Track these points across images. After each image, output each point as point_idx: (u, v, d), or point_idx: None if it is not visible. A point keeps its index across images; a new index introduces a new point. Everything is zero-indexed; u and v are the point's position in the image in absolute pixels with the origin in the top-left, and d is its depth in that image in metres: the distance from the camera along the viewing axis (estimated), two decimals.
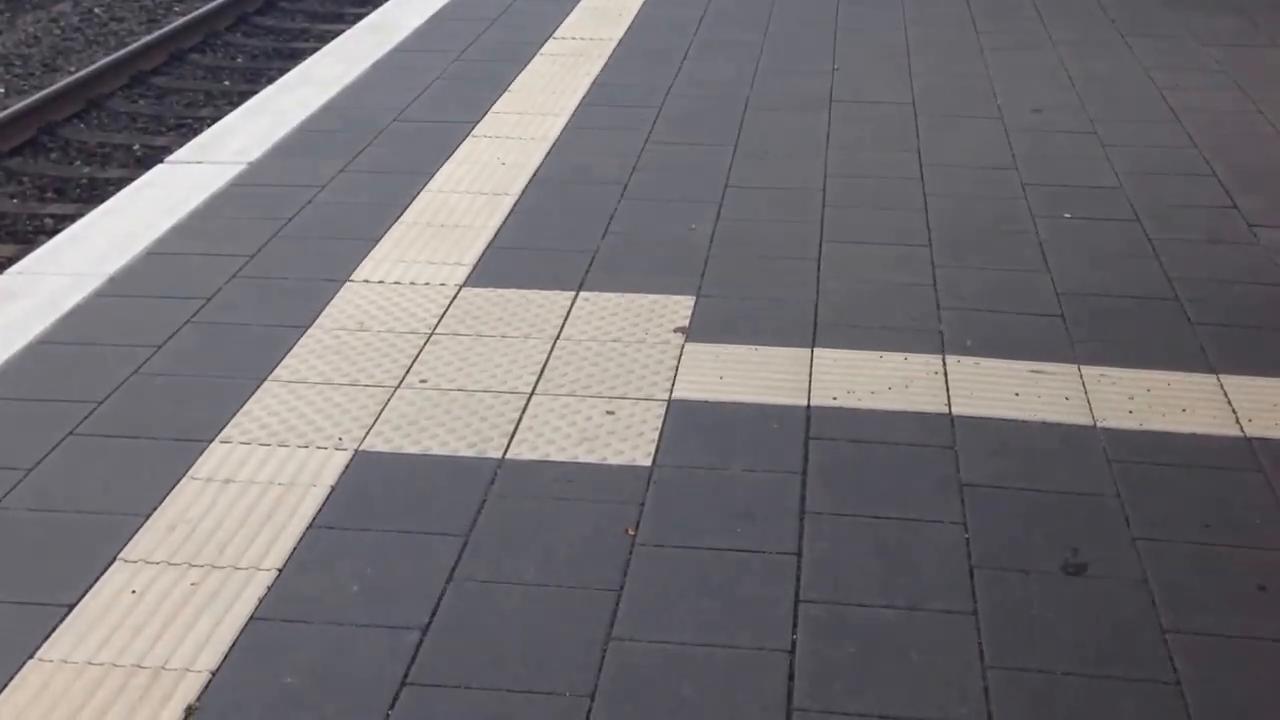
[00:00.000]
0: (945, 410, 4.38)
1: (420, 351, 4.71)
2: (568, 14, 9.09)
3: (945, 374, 4.59)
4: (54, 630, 3.40)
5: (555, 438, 4.21)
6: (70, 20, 12.43)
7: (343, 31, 10.53)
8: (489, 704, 3.17)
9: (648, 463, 4.10)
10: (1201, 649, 3.38)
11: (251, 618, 3.45)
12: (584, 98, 7.39)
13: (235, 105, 9.88)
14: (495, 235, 5.64)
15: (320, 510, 3.87)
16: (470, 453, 4.14)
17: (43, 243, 6.63)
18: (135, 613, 3.46)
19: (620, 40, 8.51)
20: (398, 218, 5.81)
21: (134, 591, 3.53)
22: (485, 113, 7.13)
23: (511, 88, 7.55)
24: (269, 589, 3.55)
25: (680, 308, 5.03)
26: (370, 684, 3.23)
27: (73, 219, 7.85)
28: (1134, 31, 8.80)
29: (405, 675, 3.26)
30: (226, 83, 10.70)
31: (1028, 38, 8.66)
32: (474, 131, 6.86)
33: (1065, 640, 3.39)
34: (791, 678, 3.26)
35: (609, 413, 4.35)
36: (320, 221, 5.77)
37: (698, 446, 4.18)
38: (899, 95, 7.49)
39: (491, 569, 3.63)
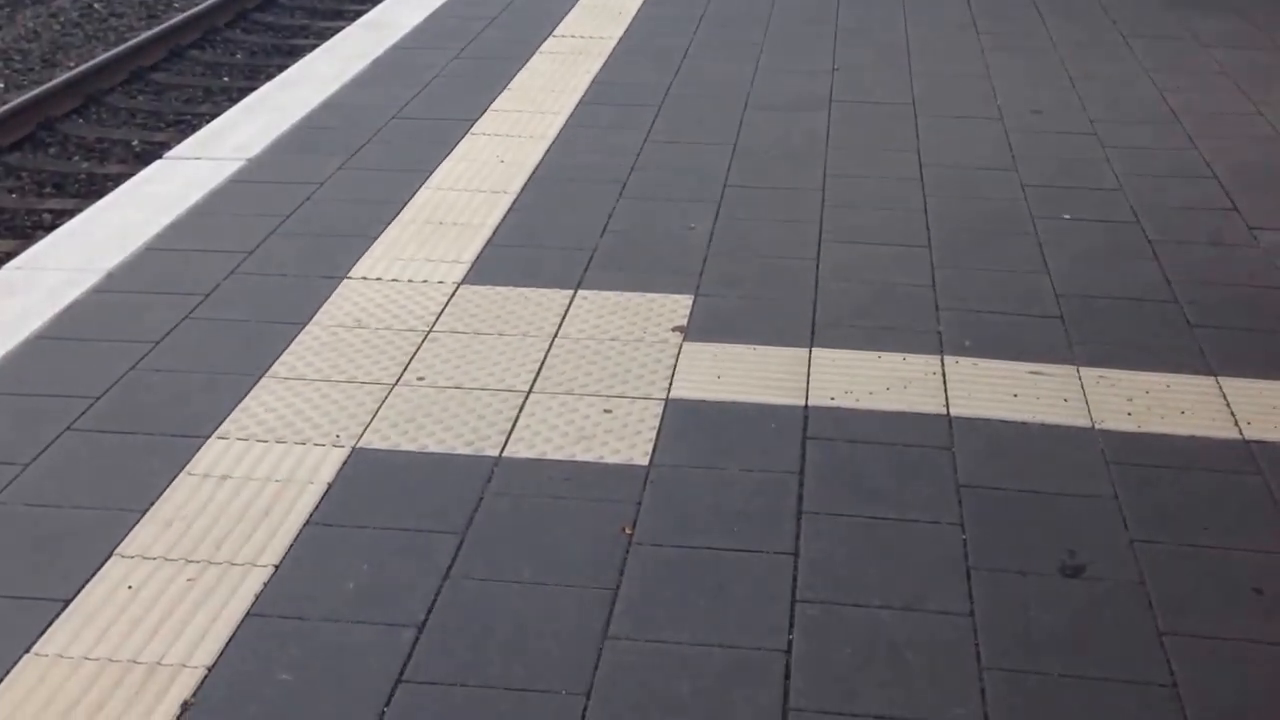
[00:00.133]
0: (943, 411, 4.38)
1: (418, 349, 4.71)
2: (567, 12, 9.09)
3: (943, 375, 4.59)
4: (50, 625, 3.39)
5: (552, 436, 4.21)
6: (70, 15, 12.43)
7: (342, 28, 10.52)
8: (484, 702, 3.17)
9: (645, 462, 4.09)
10: (1198, 651, 3.37)
11: (248, 614, 3.45)
12: (583, 96, 7.38)
13: (234, 102, 9.87)
14: (494, 233, 5.64)
15: (317, 507, 3.87)
16: (467, 451, 4.13)
17: (41, 238, 6.64)
18: (131, 608, 3.45)
19: (620, 39, 8.50)
20: (396, 215, 5.81)
21: (130, 587, 3.53)
22: (484, 110, 7.13)
23: (511, 85, 7.54)
24: (265, 585, 3.55)
25: (678, 307, 5.02)
26: (366, 681, 3.22)
27: (71, 214, 7.84)
28: (1135, 32, 8.80)
29: (401, 673, 3.25)
30: (226, 79, 10.69)
31: (1028, 38, 8.66)
32: (473, 129, 6.86)
33: (1062, 642, 3.39)
34: (788, 678, 3.26)
35: (606, 411, 4.35)
36: (319, 218, 5.77)
37: (695, 446, 4.18)
38: (899, 95, 7.49)
39: (488, 567, 3.62)
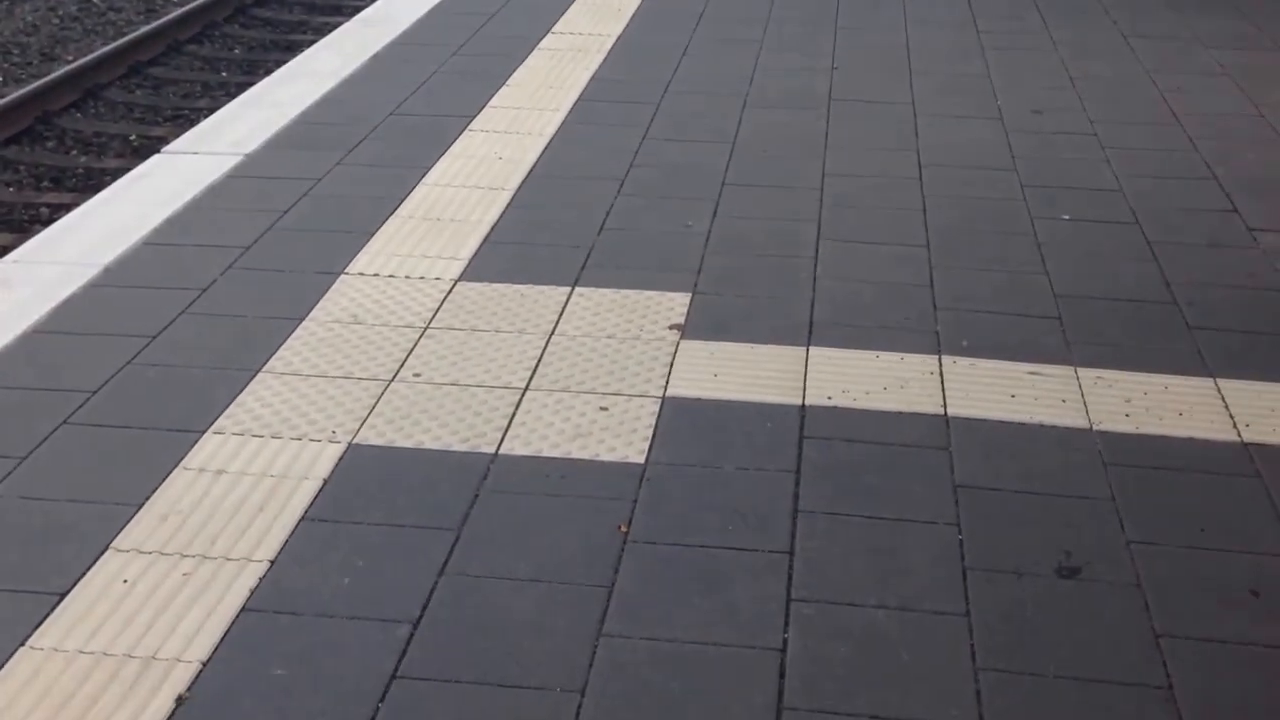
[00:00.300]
0: (941, 411, 4.37)
1: (415, 345, 4.70)
2: (566, 9, 9.08)
3: (941, 375, 4.58)
4: (45, 619, 3.39)
5: (549, 433, 4.20)
6: (68, 9, 12.42)
7: (341, 24, 10.50)
8: (478, 699, 3.16)
9: (641, 460, 4.09)
10: (1194, 653, 3.37)
11: (243, 609, 3.44)
12: (582, 93, 7.37)
13: (232, 97, 9.86)
14: (491, 230, 5.63)
15: (313, 503, 3.86)
16: (463, 447, 4.13)
17: (38, 232, 6.62)
18: (126, 602, 3.45)
19: (619, 36, 8.50)
20: (394, 211, 5.80)
21: (125, 581, 3.52)
22: (483, 107, 7.12)
23: (509, 82, 7.54)
24: (260, 580, 3.54)
25: (676, 305, 5.02)
26: (360, 677, 3.22)
27: (69, 208, 7.83)
28: (1136, 33, 8.80)
29: (395, 669, 3.25)
30: (224, 74, 10.68)
31: (1029, 38, 8.66)
32: (471, 126, 6.85)
33: (1058, 643, 3.39)
34: (782, 676, 3.25)
35: (603, 409, 4.34)
36: (316, 214, 5.76)
37: (691, 444, 4.17)
38: (898, 95, 7.48)
39: (483, 564, 3.62)
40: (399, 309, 4.95)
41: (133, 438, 4.15)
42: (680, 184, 6.14)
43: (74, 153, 8.98)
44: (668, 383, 4.50)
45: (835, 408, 4.38)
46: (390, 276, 5.20)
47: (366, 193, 5.98)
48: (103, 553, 3.63)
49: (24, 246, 5.44)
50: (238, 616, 3.41)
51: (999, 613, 3.48)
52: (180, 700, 3.14)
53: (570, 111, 7.08)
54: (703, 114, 7.08)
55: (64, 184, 8.47)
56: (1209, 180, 6.34)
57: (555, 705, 3.15)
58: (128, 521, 3.76)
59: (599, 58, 8.03)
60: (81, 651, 3.28)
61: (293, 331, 4.78)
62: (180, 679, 3.20)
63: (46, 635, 3.34)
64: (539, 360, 4.62)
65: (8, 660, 3.25)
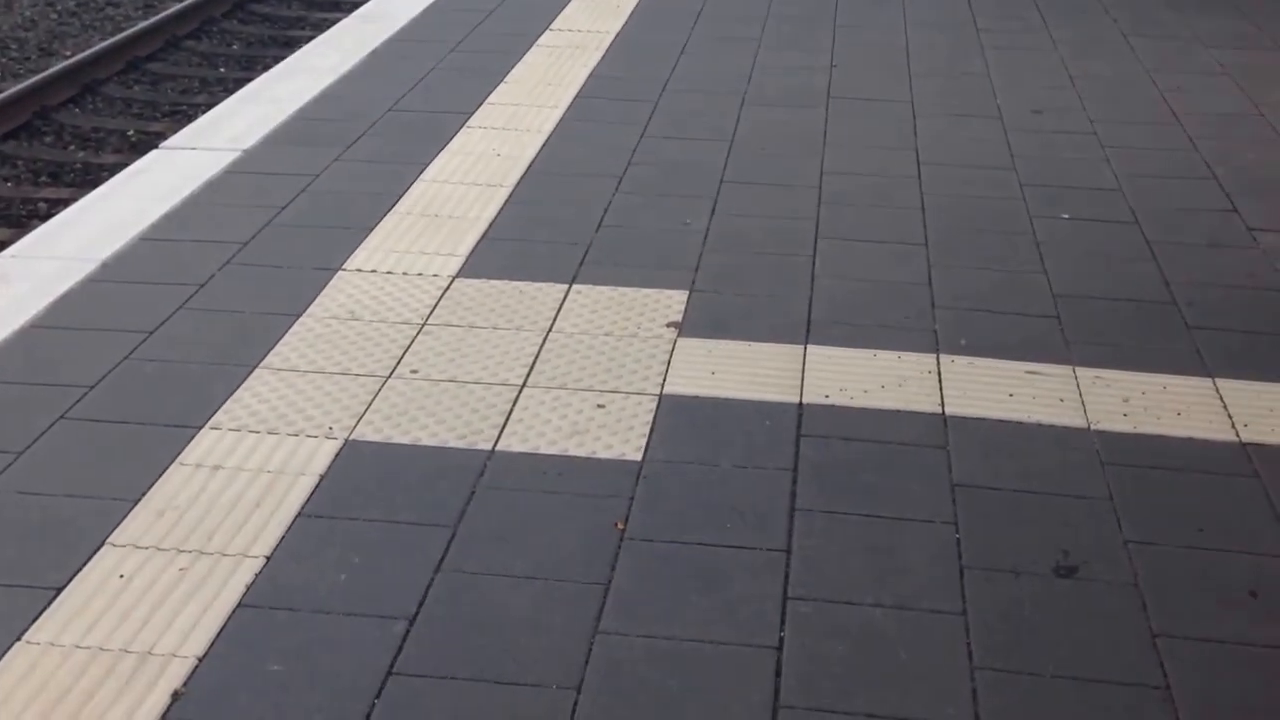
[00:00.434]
0: (938, 410, 4.37)
1: (412, 342, 4.69)
2: (565, 6, 9.07)
3: (939, 374, 4.58)
4: (42, 613, 3.38)
5: (546, 430, 4.20)
6: (67, 4, 12.41)
7: (339, 20, 10.50)
8: (474, 695, 3.16)
9: (638, 457, 4.08)
10: (1192, 654, 3.36)
11: (239, 605, 3.43)
12: (580, 90, 7.37)
13: (230, 92, 9.85)
14: (489, 227, 5.63)
15: (309, 499, 3.86)
16: (460, 444, 4.12)
17: (36, 227, 6.61)
18: (123, 597, 3.44)
19: (618, 33, 8.49)
20: (391, 207, 5.80)
21: (122, 576, 3.52)
22: (481, 104, 7.12)
23: (508, 79, 7.53)
24: (257, 576, 3.54)
25: (673, 302, 5.01)
26: (356, 673, 3.21)
27: (66, 204, 7.82)
28: (1136, 32, 8.80)
29: (391, 665, 3.24)
30: (222, 70, 10.68)
31: (1029, 37, 8.65)
32: (469, 122, 6.84)
33: (1055, 643, 3.38)
34: (779, 675, 3.25)
35: (600, 406, 4.34)
36: (314, 210, 5.75)
37: (688, 442, 4.16)
38: (898, 93, 7.48)
39: (479, 561, 3.61)
40: (396, 305, 4.94)
41: (130, 433, 4.14)
42: (678, 182, 6.14)
43: (72, 148, 8.97)
44: (665, 380, 4.49)
45: (833, 406, 4.38)
46: (388, 273, 5.19)
47: (364, 189, 5.98)
48: (99, 548, 3.63)
49: (22, 241, 5.43)
50: (234, 612, 3.41)
51: (996, 612, 3.48)
52: (176, 696, 3.14)
53: (569, 108, 7.08)
54: (701, 112, 7.08)
55: (62, 179, 8.46)
56: (1209, 180, 6.34)
57: (551, 702, 3.15)
58: (124, 517, 3.75)
59: (598, 55, 8.02)
60: (78, 646, 3.28)
61: (290, 327, 4.77)
62: (176, 674, 3.20)
63: (43, 630, 3.33)
64: (536, 357, 4.61)
65: (4, 655, 3.25)
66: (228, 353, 4.60)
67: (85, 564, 3.56)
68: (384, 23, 8.61)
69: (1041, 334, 4.85)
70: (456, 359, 4.60)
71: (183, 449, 4.06)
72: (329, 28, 9.68)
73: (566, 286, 5.11)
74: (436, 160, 6.34)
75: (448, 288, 5.08)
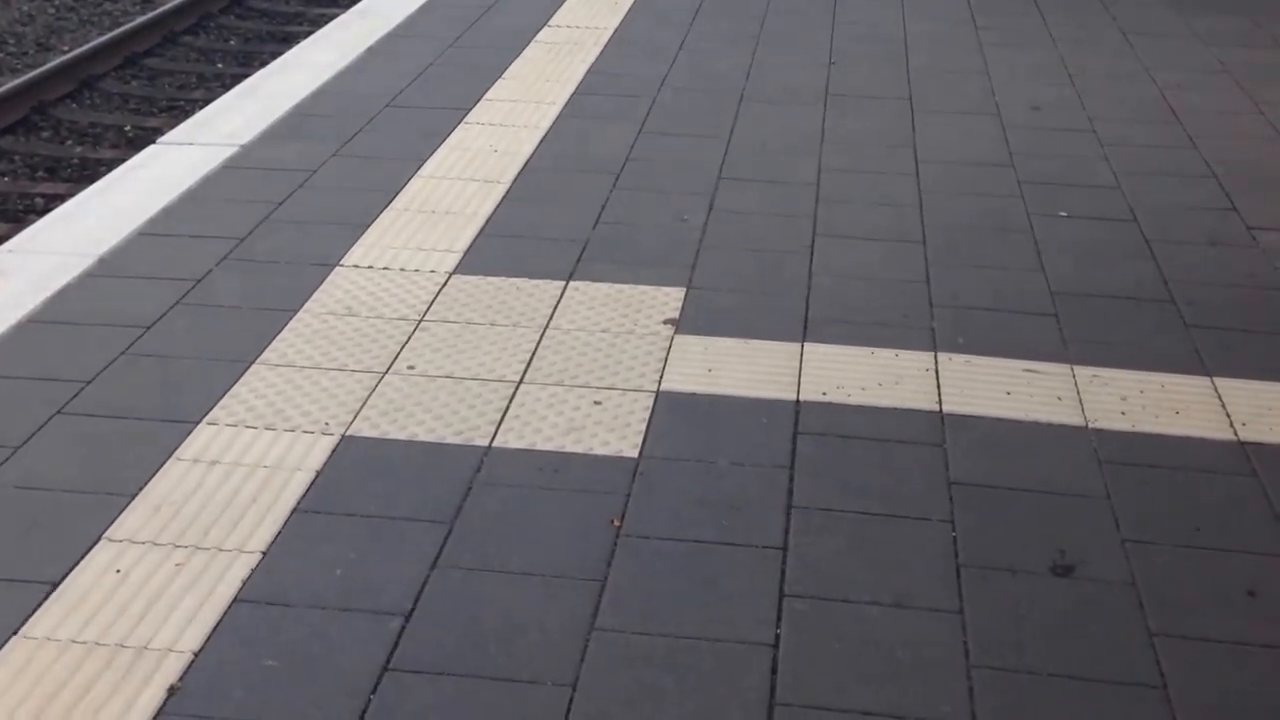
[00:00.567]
0: (936, 408, 4.36)
1: (409, 338, 4.69)
2: (563, 2, 9.07)
3: (936, 371, 4.57)
4: (38, 608, 3.38)
5: (542, 427, 4.19)
6: (64, 0, 12.41)
7: (336, 16, 10.49)
8: (470, 692, 3.15)
9: (634, 454, 4.08)
10: (1189, 653, 3.36)
11: (235, 600, 3.43)
12: (578, 86, 7.36)
13: (228, 88, 9.84)
14: (486, 223, 5.62)
15: (305, 494, 3.85)
16: (457, 440, 4.12)
17: (33, 222, 6.61)
18: (119, 592, 3.44)
19: (616, 29, 8.48)
20: (388, 203, 5.79)
21: (118, 571, 3.51)
22: (478, 99, 7.11)
23: (506, 75, 7.52)
24: (253, 571, 3.53)
25: (670, 299, 5.01)
26: (352, 669, 3.21)
27: (64, 199, 7.81)
28: (1135, 29, 8.79)
29: (387, 661, 3.24)
30: (219, 65, 10.67)
31: (1027, 34, 8.65)
32: (467, 118, 6.84)
33: (1051, 641, 3.38)
34: (775, 672, 3.25)
35: (596, 403, 4.33)
36: (311, 206, 5.75)
37: (685, 439, 4.16)
38: (896, 90, 7.47)
39: (475, 557, 3.61)
40: (394, 301, 4.93)
41: (126, 428, 4.13)
42: (676, 179, 6.13)
43: (69, 143, 8.96)
44: (662, 377, 4.49)
45: (830, 403, 4.37)
46: (385, 269, 5.19)
47: (361, 185, 5.97)
48: (96, 543, 3.62)
49: (19, 236, 5.42)
50: (230, 607, 3.41)
51: (993, 610, 3.48)
52: (172, 690, 3.14)
53: (566, 105, 7.07)
54: (699, 108, 7.07)
55: (59, 174, 8.45)
56: (1208, 178, 6.33)
57: (547, 699, 3.14)
58: (121, 511, 3.75)
59: (595, 51, 8.02)
60: (74, 641, 3.27)
61: (287, 323, 4.76)
62: (172, 669, 3.20)
63: (39, 625, 3.33)
64: (533, 353, 4.61)
65: (0, 649, 3.25)
66: (225, 348, 4.59)
67: (82, 558, 3.56)
68: (381, 19, 8.60)
69: (1039, 332, 4.85)
70: (453, 355, 4.59)
71: (179, 444, 4.06)
72: (326, 23, 9.67)
73: (564, 283, 5.10)
74: (434, 156, 6.33)
75: (445, 284, 5.08)
